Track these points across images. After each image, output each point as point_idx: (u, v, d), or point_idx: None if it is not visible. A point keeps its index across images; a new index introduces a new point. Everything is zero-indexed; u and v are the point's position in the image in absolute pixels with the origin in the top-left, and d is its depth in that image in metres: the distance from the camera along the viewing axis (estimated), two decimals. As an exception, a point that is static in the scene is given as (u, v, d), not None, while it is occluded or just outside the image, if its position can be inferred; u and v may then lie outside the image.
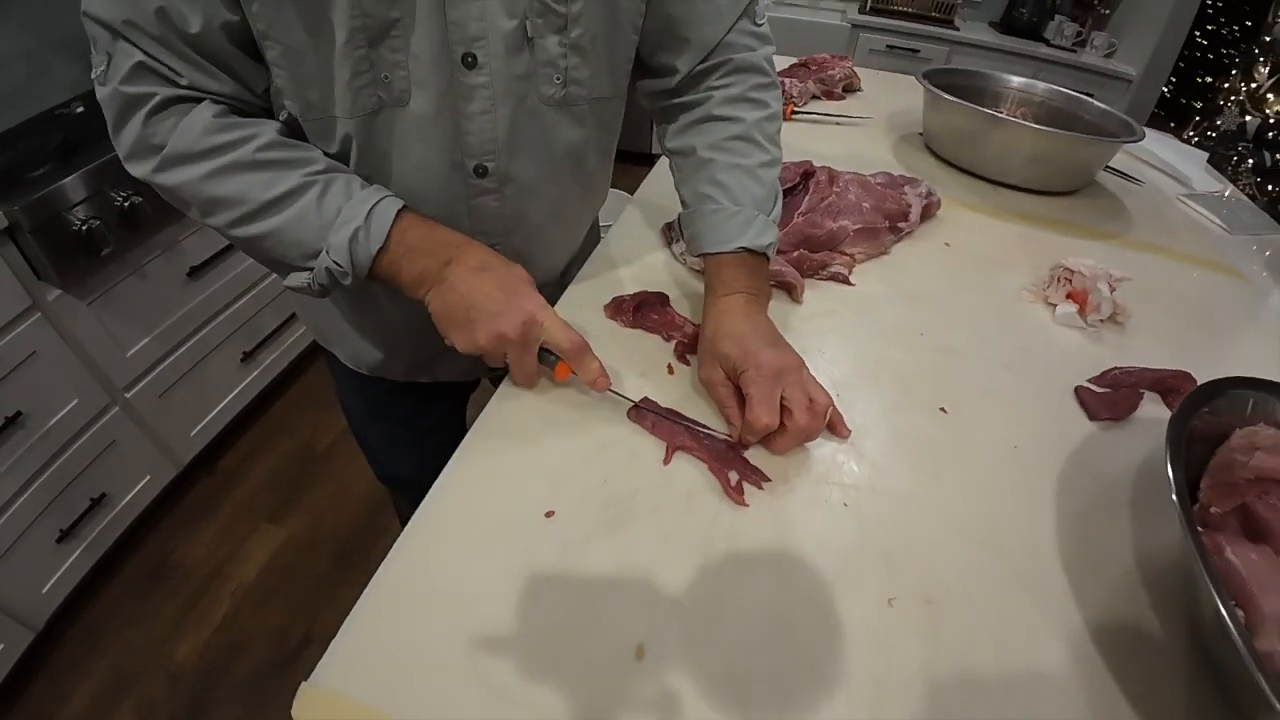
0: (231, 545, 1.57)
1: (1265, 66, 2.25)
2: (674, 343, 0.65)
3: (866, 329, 0.70)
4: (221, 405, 1.76)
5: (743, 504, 0.49)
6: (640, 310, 0.68)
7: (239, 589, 1.46)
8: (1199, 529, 0.45)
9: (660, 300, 0.69)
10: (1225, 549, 0.42)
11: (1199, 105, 2.63)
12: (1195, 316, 0.80)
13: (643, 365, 0.62)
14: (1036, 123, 1.16)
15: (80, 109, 1.58)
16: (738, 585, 0.44)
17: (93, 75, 0.49)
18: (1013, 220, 0.97)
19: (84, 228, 1.29)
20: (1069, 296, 0.76)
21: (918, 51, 2.62)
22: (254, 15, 0.47)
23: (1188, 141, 2.57)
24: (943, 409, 0.60)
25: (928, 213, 0.91)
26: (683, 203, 0.69)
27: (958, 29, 2.59)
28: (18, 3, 1.51)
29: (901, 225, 0.86)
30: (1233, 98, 2.39)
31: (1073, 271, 0.76)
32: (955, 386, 0.63)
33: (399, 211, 0.53)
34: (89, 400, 1.41)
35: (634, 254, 0.79)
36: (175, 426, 1.64)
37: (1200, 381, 0.54)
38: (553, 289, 0.72)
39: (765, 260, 0.64)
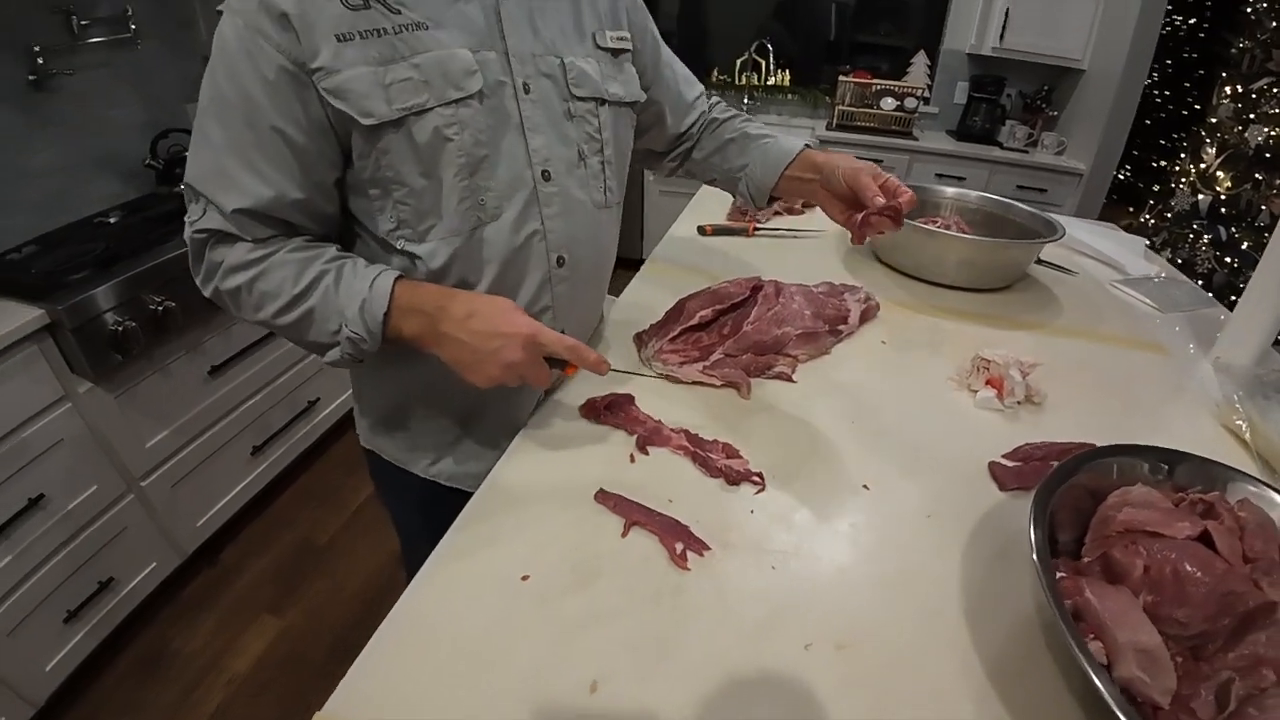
0: (229, 636, 1.60)
1: (1212, 147, 2.48)
2: (636, 436, 0.75)
3: (803, 419, 0.80)
4: (228, 498, 1.84)
5: (685, 569, 0.58)
6: (610, 409, 0.79)
7: (233, 680, 1.49)
8: (1067, 574, 0.53)
9: (627, 400, 0.80)
10: (1085, 590, 0.50)
11: (1155, 189, 2.85)
12: (1112, 392, 0.91)
13: (609, 455, 0.73)
14: (971, 227, 1.32)
15: (121, 216, 1.76)
16: (681, 633, 0.52)
17: (187, 220, 0.64)
18: (947, 317, 1.08)
19: (119, 329, 1.42)
20: (987, 383, 0.87)
21: (881, 161, 2.86)
22: (383, 167, 0.63)
23: (1145, 224, 2.79)
24: (865, 486, 0.69)
25: (867, 315, 1.03)
26: (731, 175, 0.97)
27: (916, 139, 2.86)
28: (59, 122, 1.72)
29: (841, 328, 0.98)
30: (1184, 179, 2.61)
31: (989, 361, 0.88)
32: (879, 466, 0.72)
33: (396, 280, 0.64)
34: (106, 487, 1.49)
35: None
36: (183, 516, 1.71)
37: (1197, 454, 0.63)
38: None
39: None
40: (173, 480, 1.66)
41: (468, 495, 0.72)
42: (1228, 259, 2.45)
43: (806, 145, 0.90)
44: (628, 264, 1.23)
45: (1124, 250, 1.45)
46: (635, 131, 0.87)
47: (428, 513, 0.74)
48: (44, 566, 1.37)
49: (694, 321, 0.94)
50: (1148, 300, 1.21)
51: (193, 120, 0.63)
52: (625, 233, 0.93)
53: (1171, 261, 2.15)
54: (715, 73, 3.56)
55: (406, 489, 0.88)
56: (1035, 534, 0.51)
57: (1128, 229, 3.05)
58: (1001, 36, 2.66)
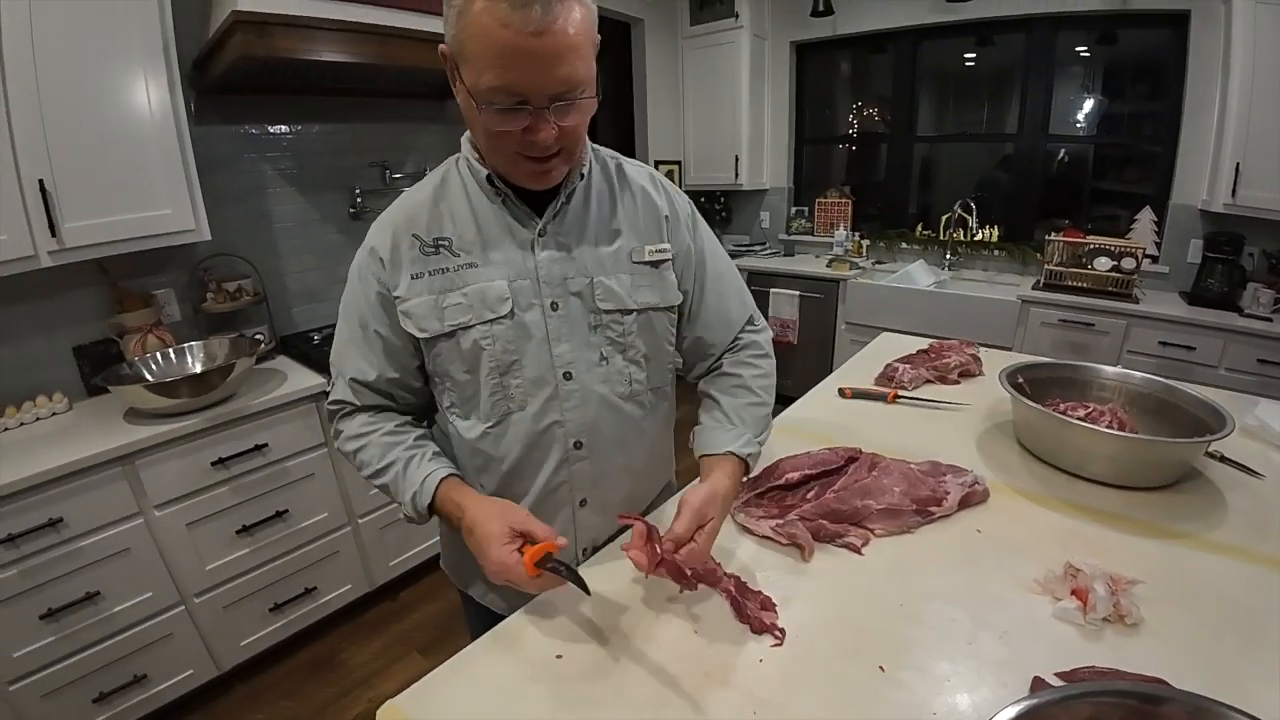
0: (384, 662, 1.91)
1: None
2: (690, 573, 0.78)
3: (850, 590, 0.84)
4: (419, 549, 2.22)
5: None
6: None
7: (375, 699, 1.75)
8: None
9: None
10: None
11: None
12: (1237, 624, 0.78)
13: (665, 581, 0.79)
14: (1131, 412, 1.21)
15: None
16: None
17: (328, 392, 0.90)
18: (1074, 514, 1.00)
19: (370, 401, 1.88)
20: (1073, 593, 0.82)
21: (1092, 325, 2.63)
22: (434, 365, 0.84)
23: None
24: (881, 668, 0.71)
25: (969, 500, 1.01)
26: (697, 422, 0.96)
27: (1138, 301, 2.58)
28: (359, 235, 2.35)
29: (933, 509, 0.98)
30: None
31: (1078, 569, 0.83)
32: (905, 652, 0.73)
33: (441, 480, 0.82)
34: (333, 517, 1.93)
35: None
36: (382, 554, 2.11)
37: (1179, 688, 0.60)
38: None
39: (743, 465, 0.88)
40: (382, 524, 2.07)
41: None
42: None
43: (728, 451, 0.88)
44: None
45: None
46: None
47: (488, 627, 0.85)
48: (270, 564, 1.82)
49: (782, 481, 1.02)
50: (1351, 515, 1.00)
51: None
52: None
53: None
54: (920, 228, 3.60)
55: (469, 605, 1.04)
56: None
57: None
58: (1233, 192, 2.36)
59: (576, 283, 0.84)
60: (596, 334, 0.86)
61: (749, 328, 1.01)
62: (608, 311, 0.85)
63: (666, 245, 0.90)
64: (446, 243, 0.82)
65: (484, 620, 0.89)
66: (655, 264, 0.89)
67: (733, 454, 0.87)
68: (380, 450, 0.86)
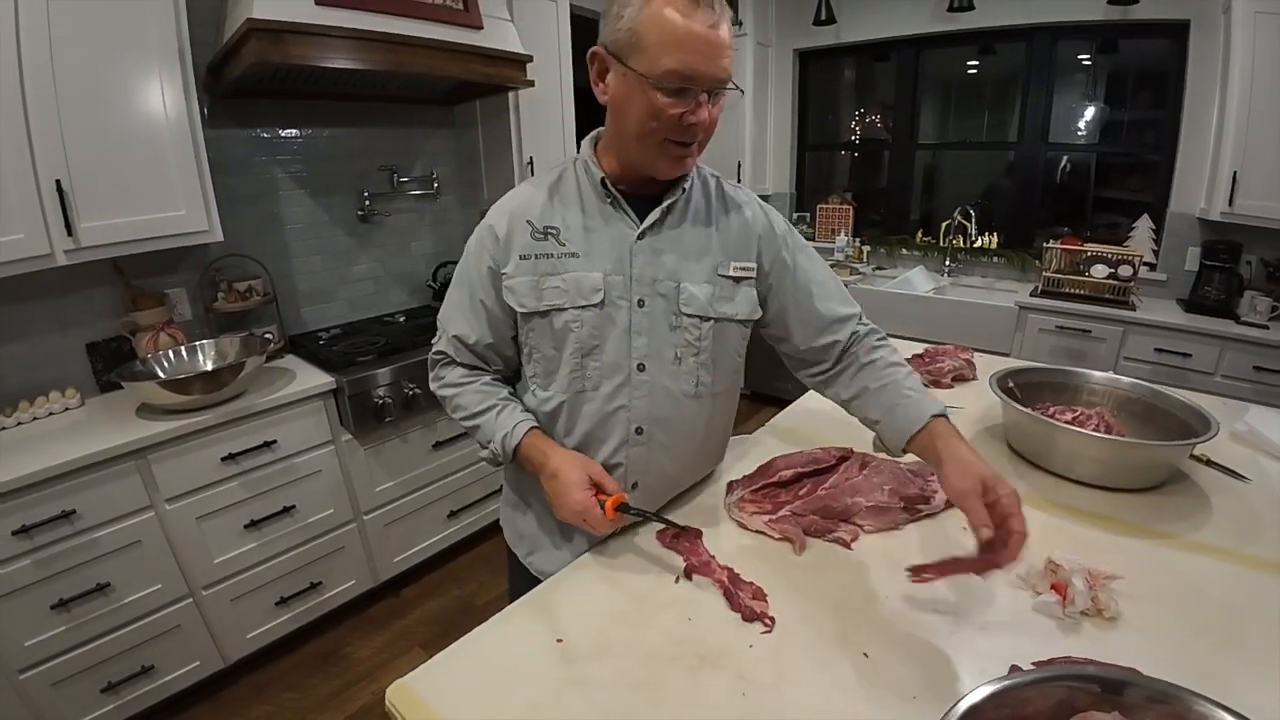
0: (387, 656, 1.94)
1: None
2: (685, 565, 0.89)
3: (838, 581, 0.87)
4: (422, 546, 2.25)
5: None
6: (677, 538, 0.95)
7: (378, 691, 1.77)
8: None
9: (695, 534, 0.96)
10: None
11: None
12: (1218, 622, 0.80)
13: (662, 572, 0.89)
14: (1119, 416, 1.25)
15: (403, 319, 2.37)
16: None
17: (433, 341, 1.01)
18: (1060, 514, 1.03)
19: (380, 402, 1.92)
20: (1053, 587, 0.85)
21: (1089, 332, 2.65)
22: (526, 338, 0.94)
23: None
24: (865, 654, 0.74)
25: None
26: (873, 421, 0.96)
27: (1134, 309, 2.61)
28: (374, 246, 2.41)
29: (921, 507, 1.01)
30: None
31: (1058, 565, 0.86)
32: (890, 640, 0.76)
33: (529, 429, 0.93)
34: (339, 513, 1.96)
35: (702, 500, 1.09)
36: (386, 551, 2.14)
37: (1159, 679, 0.60)
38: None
39: (947, 421, 0.88)
40: (386, 521, 2.11)
41: None
42: None
43: (934, 416, 0.88)
44: (770, 400, 1.39)
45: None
46: (773, 339, 1.05)
47: (523, 590, 0.93)
48: (277, 558, 1.85)
49: (776, 478, 1.06)
50: (1334, 519, 1.02)
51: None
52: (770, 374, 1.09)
53: None
54: (920, 234, 3.63)
55: (514, 564, 1.11)
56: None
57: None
58: (1230, 200, 2.38)
59: (664, 285, 0.92)
60: (675, 334, 0.93)
61: (860, 322, 1.03)
62: (689, 315, 0.93)
63: (752, 264, 0.97)
64: (555, 231, 0.91)
65: (522, 584, 1.00)
66: (737, 280, 0.96)
67: (937, 416, 0.88)
68: (479, 397, 0.97)
